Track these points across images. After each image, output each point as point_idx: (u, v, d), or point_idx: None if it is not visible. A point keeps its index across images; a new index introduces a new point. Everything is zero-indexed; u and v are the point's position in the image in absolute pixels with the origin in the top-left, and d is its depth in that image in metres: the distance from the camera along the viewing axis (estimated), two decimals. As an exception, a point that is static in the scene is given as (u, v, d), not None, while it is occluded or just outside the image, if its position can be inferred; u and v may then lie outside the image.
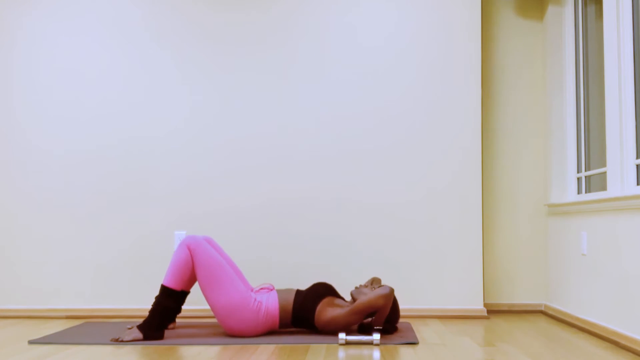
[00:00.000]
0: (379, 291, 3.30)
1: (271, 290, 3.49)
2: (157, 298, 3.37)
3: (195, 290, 4.19)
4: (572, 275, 3.87)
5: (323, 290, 3.47)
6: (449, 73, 4.23)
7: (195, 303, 4.20)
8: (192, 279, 3.43)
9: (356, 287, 3.53)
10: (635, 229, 3.06)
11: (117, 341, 3.27)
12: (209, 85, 4.29)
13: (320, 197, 4.22)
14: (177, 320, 4.10)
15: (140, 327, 3.32)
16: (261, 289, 3.50)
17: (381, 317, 3.32)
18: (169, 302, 3.36)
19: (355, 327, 3.68)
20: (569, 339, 3.37)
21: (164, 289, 3.37)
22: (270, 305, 3.40)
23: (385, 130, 4.23)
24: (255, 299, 3.39)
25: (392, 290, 3.30)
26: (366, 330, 3.40)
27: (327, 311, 3.39)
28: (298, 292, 3.47)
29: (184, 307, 4.20)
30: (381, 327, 3.36)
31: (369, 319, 3.42)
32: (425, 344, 3.21)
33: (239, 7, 4.31)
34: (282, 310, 3.41)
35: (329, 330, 3.41)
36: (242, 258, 4.22)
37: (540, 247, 4.41)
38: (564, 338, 3.39)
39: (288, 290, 3.49)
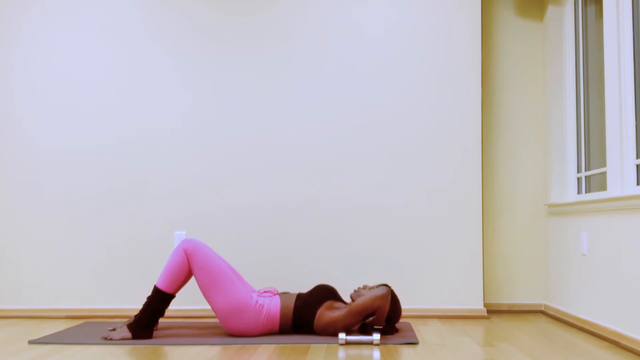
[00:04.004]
0: (375, 292, 3.30)
1: (275, 294, 3.49)
2: (149, 299, 3.37)
3: (195, 290, 4.19)
4: (572, 275, 3.87)
5: (323, 294, 3.46)
6: (449, 73, 4.23)
7: (195, 303, 4.20)
8: (184, 282, 3.44)
9: (355, 290, 3.53)
10: (635, 229, 3.06)
11: (107, 340, 3.29)
12: (209, 84, 4.29)
13: (321, 198, 4.22)
14: (180, 320, 4.10)
15: (130, 327, 3.33)
16: (265, 291, 3.50)
17: (381, 316, 3.32)
18: (161, 304, 3.37)
19: (356, 327, 3.69)
20: (569, 339, 3.37)
21: (158, 292, 3.37)
22: (272, 309, 3.40)
23: (385, 130, 4.23)
24: (256, 301, 3.39)
25: (389, 291, 3.30)
26: (367, 330, 3.40)
27: (325, 315, 3.39)
28: (299, 296, 3.47)
29: (185, 307, 4.20)
30: (382, 327, 3.35)
31: (371, 319, 3.42)
32: (425, 344, 3.21)
33: (239, 7, 4.31)
34: (282, 315, 3.41)
35: (329, 334, 3.40)
36: (242, 259, 4.22)
37: (540, 247, 4.41)
38: (564, 338, 3.39)
39: (289, 295, 3.49)
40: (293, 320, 3.42)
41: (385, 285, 3.41)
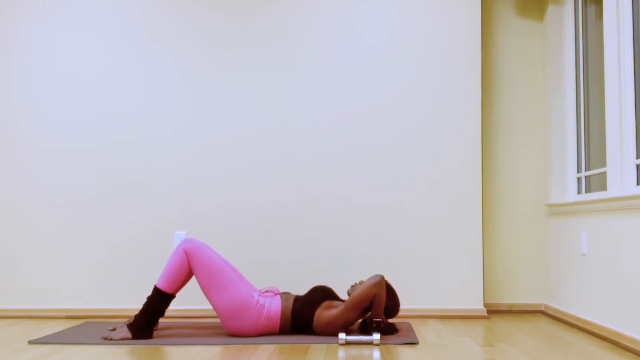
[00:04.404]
0: (369, 281, 3.31)
1: (275, 295, 3.49)
2: (150, 299, 3.37)
3: (195, 290, 4.19)
4: (572, 275, 3.87)
5: (320, 295, 3.46)
6: (449, 73, 4.23)
7: (195, 303, 4.20)
8: (185, 282, 3.44)
9: (352, 286, 3.54)
10: (635, 229, 3.06)
11: (107, 340, 3.29)
12: (208, 85, 4.30)
13: (321, 198, 4.22)
14: (180, 320, 4.10)
15: (130, 327, 3.33)
16: (266, 291, 3.50)
17: (379, 307, 3.32)
18: (161, 304, 3.37)
19: (356, 327, 3.69)
20: (569, 339, 3.37)
21: (158, 292, 3.37)
22: (272, 310, 3.40)
23: (385, 131, 4.23)
24: (258, 301, 3.39)
25: (382, 278, 3.31)
26: (367, 329, 3.40)
27: (324, 315, 3.39)
28: (296, 299, 3.47)
29: (185, 307, 4.20)
30: (382, 320, 3.35)
31: (369, 314, 3.41)
32: (425, 344, 3.21)
33: (239, 7, 4.31)
34: (282, 316, 3.41)
35: (329, 333, 3.40)
36: (243, 258, 4.22)
37: (540, 247, 4.41)
38: (564, 338, 3.39)
39: (289, 297, 3.49)
40: (292, 322, 3.41)
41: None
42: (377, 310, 3.33)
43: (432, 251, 4.18)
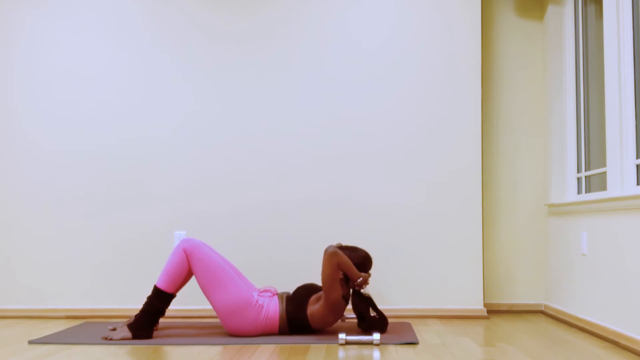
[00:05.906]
0: (324, 257, 3.32)
1: (274, 295, 3.49)
2: (150, 299, 3.37)
3: (196, 290, 4.19)
4: (572, 275, 3.88)
5: (304, 293, 3.47)
6: (449, 73, 4.23)
7: (195, 303, 4.20)
8: (185, 282, 3.44)
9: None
10: (636, 229, 3.06)
11: (107, 340, 3.29)
12: (209, 85, 4.29)
13: (321, 198, 4.22)
14: (180, 320, 4.10)
15: (130, 327, 3.34)
16: (265, 290, 3.50)
17: (350, 270, 3.33)
18: (161, 304, 3.37)
19: (356, 324, 3.68)
20: (569, 339, 3.37)
21: (157, 291, 3.37)
22: (271, 311, 3.40)
23: (385, 131, 4.23)
24: (257, 300, 3.39)
25: (332, 246, 3.33)
26: (360, 295, 3.44)
27: (315, 310, 3.40)
28: (287, 301, 3.47)
29: (185, 307, 4.20)
30: (362, 280, 3.36)
31: (350, 282, 3.42)
32: (425, 344, 3.21)
33: (239, 7, 4.31)
34: (280, 319, 3.42)
35: (330, 323, 3.40)
36: (243, 259, 4.22)
37: (540, 247, 4.41)
38: (564, 338, 3.39)
39: (282, 298, 3.49)
40: (288, 324, 3.42)
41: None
42: (351, 274, 3.35)
43: (432, 251, 4.18)
